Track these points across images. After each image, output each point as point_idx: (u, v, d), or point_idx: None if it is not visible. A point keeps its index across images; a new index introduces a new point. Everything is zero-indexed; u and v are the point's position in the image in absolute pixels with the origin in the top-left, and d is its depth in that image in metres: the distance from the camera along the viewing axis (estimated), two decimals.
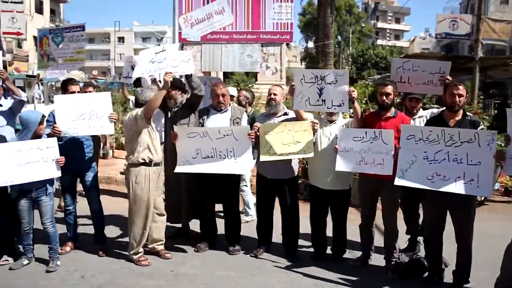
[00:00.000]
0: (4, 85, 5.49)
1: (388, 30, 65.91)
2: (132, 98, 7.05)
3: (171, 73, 4.79)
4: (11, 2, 13.35)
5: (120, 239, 5.68)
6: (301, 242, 5.29)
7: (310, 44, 49.77)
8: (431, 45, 49.56)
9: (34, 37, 30.30)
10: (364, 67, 32.38)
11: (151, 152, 4.75)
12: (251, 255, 5.13)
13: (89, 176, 5.16)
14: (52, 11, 38.36)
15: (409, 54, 24.24)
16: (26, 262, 4.77)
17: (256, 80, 17.41)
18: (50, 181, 4.73)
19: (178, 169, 4.85)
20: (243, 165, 4.76)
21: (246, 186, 6.52)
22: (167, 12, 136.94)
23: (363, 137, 4.47)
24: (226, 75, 23.37)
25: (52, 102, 19.55)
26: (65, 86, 5.26)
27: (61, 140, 4.79)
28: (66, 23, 36.60)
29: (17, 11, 13.31)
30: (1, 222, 4.88)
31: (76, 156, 5.05)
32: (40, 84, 19.63)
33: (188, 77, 5.10)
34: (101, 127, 4.84)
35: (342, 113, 5.00)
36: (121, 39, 61.02)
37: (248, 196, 6.52)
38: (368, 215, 4.84)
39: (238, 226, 5.29)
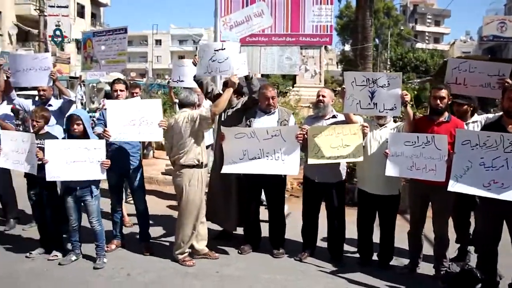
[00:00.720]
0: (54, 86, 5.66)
1: (427, 33, 64.58)
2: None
3: (236, 74, 4.81)
4: (57, 7, 13.74)
5: (163, 239, 5.73)
6: (346, 247, 5.20)
7: (347, 47, 49.31)
8: (472, 48, 48.27)
9: (76, 40, 31.24)
10: (403, 70, 31.75)
11: (202, 154, 4.77)
12: (295, 258, 5.07)
13: (136, 176, 5.23)
14: (93, 15, 39.37)
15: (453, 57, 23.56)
16: (74, 258, 4.87)
17: (295, 83, 17.34)
18: (95, 182, 4.80)
19: (225, 169, 4.84)
20: (290, 166, 4.71)
21: None
22: (203, 15, 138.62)
23: (415, 142, 4.34)
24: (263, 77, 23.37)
25: (92, 102, 20.08)
26: (112, 85, 5.35)
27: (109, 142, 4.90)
28: (106, 26, 37.49)
29: (62, 15, 13.70)
30: (50, 218, 5.01)
31: (124, 156, 5.14)
32: (82, 85, 20.12)
33: (249, 79, 5.10)
34: (150, 133, 4.88)
35: (393, 117, 4.88)
36: (158, 42, 62.06)
37: None
38: (417, 221, 4.70)
39: (283, 229, 5.24)
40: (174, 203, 7.35)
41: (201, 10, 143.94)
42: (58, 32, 18.78)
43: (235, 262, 4.99)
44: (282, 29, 16.52)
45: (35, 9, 19.76)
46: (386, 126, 4.73)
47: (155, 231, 5.82)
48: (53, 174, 4.61)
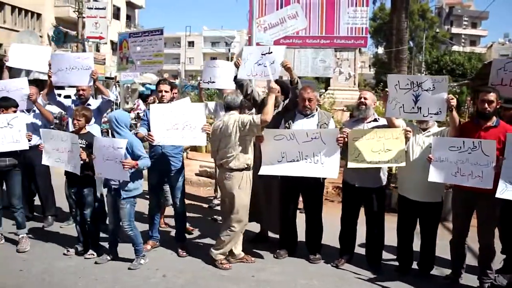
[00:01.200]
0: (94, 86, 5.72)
1: (463, 36, 63.07)
2: (210, 103, 7.06)
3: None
4: (95, 9, 14.01)
5: (197, 240, 5.71)
6: (384, 254, 5.04)
7: (380, 50, 48.60)
8: (510, 51, 46.79)
9: (111, 41, 31.83)
10: (439, 73, 31.06)
11: (250, 158, 4.73)
12: (332, 264, 4.96)
13: (177, 177, 5.22)
14: (128, 17, 40.03)
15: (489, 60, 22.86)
16: (109, 257, 4.89)
17: (328, 86, 17.17)
18: (123, 185, 4.74)
19: (263, 171, 4.78)
20: (330, 169, 4.61)
21: None
22: (236, 17, 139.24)
23: (460, 147, 4.17)
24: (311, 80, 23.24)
25: (127, 103, 20.39)
26: (157, 86, 5.36)
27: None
28: (140, 28, 38.08)
29: (100, 17, 13.94)
30: (88, 217, 5.06)
31: (166, 157, 5.13)
32: (117, 86, 20.47)
33: (294, 83, 5.03)
34: (193, 138, 4.85)
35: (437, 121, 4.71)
36: (191, 43, 62.67)
37: None
38: (461, 230, 4.52)
39: (320, 234, 5.14)
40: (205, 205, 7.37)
41: (233, 13, 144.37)
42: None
43: (271, 267, 4.92)
44: (316, 31, 16.45)
45: (74, 11, 20.18)
46: (429, 131, 4.57)
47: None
48: (98, 170, 4.70)
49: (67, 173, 5.15)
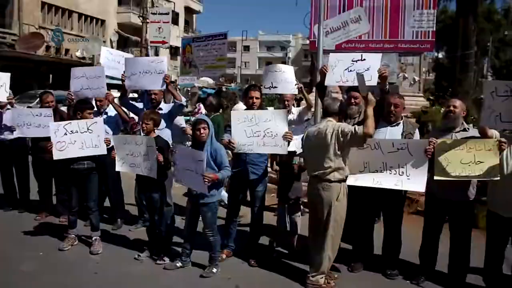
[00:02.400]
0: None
1: None
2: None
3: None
4: (159, 14, 14.24)
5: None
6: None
7: (440, 54, 46.86)
8: None
9: (170, 46, 32.47)
10: (508, 79, 29.51)
11: (347, 168, 4.42)
12: (412, 282, 4.65)
13: (259, 185, 5.10)
14: (186, 22, 40.80)
15: None
16: (179, 264, 4.83)
17: None
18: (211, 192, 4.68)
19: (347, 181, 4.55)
20: (416, 183, 4.31)
21: None
22: (291, 21, 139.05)
23: None
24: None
25: (186, 106, 20.62)
26: (246, 91, 5.27)
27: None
28: (197, 32, 38.71)
29: (163, 22, 14.17)
30: (159, 222, 5.04)
31: (249, 164, 5.03)
32: (177, 89, 20.78)
33: (385, 91, 4.82)
34: (274, 145, 4.70)
35: None
36: (246, 48, 63.14)
37: None
38: None
39: (398, 248, 4.84)
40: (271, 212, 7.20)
41: (288, 17, 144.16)
42: None
43: (346, 280, 4.68)
44: (380, 35, 16.01)
45: (138, 17, 20.81)
46: None
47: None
48: (177, 177, 4.69)
49: (138, 178, 5.16)
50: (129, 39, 32.09)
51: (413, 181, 4.31)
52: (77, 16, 28.32)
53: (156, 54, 34.95)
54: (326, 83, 4.99)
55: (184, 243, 4.87)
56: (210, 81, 30.92)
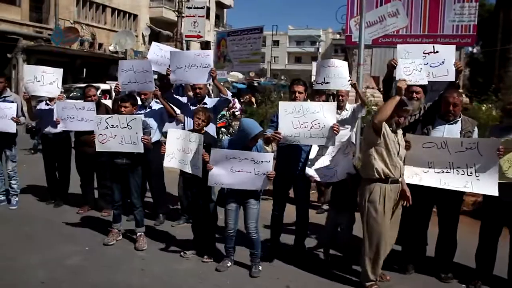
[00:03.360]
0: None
1: None
2: None
3: (405, 80, 4.33)
4: (194, 8, 14.19)
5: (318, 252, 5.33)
6: None
7: (475, 49, 45.56)
8: None
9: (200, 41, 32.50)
10: None
11: (387, 167, 4.15)
12: (469, 286, 4.42)
13: (303, 183, 4.94)
14: (217, 16, 40.76)
15: None
16: (229, 264, 4.71)
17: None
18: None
19: (407, 181, 4.33)
20: (487, 185, 4.06)
21: None
22: (321, 16, 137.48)
23: None
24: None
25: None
26: (290, 85, 5.16)
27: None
28: (228, 27, 38.67)
29: (198, 16, 14.10)
30: (204, 220, 4.94)
31: (292, 161, 4.87)
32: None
33: (456, 87, 4.68)
34: (321, 137, 4.54)
35: None
36: (276, 43, 62.73)
37: None
38: None
39: (453, 250, 4.62)
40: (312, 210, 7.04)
41: (318, 12, 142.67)
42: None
43: (397, 283, 4.49)
44: (418, 29, 15.59)
45: (174, 11, 20.82)
46: None
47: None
48: (215, 180, 4.52)
49: (184, 174, 5.06)
50: (161, 34, 32.27)
51: (483, 183, 4.06)
52: (111, 11, 28.62)
53: (188, 48, 35.18)
54: (397, 78, 4.75)
55: (228, 243, 4.74)
56: (240, 75, 30.84)
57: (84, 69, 24.53)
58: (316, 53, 51.17)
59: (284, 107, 4.66)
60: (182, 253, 5.00)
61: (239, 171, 4.41)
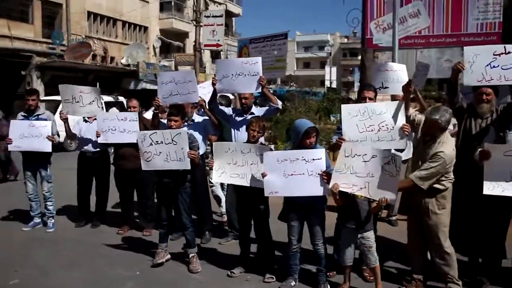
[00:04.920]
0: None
1: None
2: None
3: None
4: (212, 17, 14.00)
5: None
6: None
7: None
8: None
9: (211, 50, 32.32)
10: None
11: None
12: None
13: None
14: (226, 25, 40.63)
15: None
16: (293, 283, 4.38)
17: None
18: (319, 199, 4.24)
19: (487, 190, 3.97)
20: None
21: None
22: (329, 20, 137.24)
23: None
24: None
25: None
26: (360, 92, 4.91)
27: None
28: (237, 35, 38.54)
29: (217, 25, 13.90)
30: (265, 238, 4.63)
31: None
32: None
33: None
34: (391, 140, 4.19)
35: None
36: None
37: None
38: None
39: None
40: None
41: (325, 17, 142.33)
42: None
43: None
44: (441, 29, 15.22)
45: (191, 21, 20.65)
46: None
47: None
48: (271, 189, 4.20)
49: (237, 188, 4.75)
50: (171, 44, 32.17)
51: None
52: (121, 24, 28.53)
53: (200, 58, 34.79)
54: (465, 83, 4.44)
55: (291, 260, 4.40)
56: None
57: (97, 83, 24.39)
58: (326, 58, 50.91)
59: (348, 110, 4.34)
60: (230, 272, 4.69)
61: (292, 174, 4.10)
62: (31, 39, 22.32)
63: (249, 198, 4.57)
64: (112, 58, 27.29)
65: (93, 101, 6.14)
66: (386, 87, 5.48)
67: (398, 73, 5.43)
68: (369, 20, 15.05)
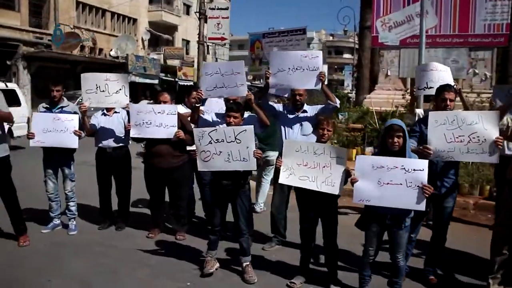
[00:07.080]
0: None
1: None
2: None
3: None
4: (217, 9, 13.54)
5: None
6: None
7: None
8: None
9: (204, 44, 31.80)
10: None
11: None
12: None
13: (450, 201, 4.30)
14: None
15: None
16: None
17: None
18: (407, 212, 3.88)
19: None
20: None
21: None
22: (312, 19, 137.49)
23: None
24: None
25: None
26: (439, 92, 4.43)
27: None
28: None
29: (222, 17, 13.44)
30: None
31: (436, 175, 4.20)
32: None
33: None
34: (481, 153, 3.87)
35: None
36: None
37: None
38: None
39: None
40: None
41: (310, 15, 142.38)
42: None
43: None
44: (448, 29, 15.07)
45: (195, 12, 20.07)
46: None
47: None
48: (362, 195, 3.81)
49: (301, 191, 4.33)
50: (161, 38, 31.50)
51: None
52: (110, 15, 27.73)
53: (187, 52, 34.44)
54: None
55: (364, 270, 4.07)
56: None
57: None
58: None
59: (435, 117, 4.00)
60: (289, 283, 4.31)
61: (388, 183, 3.72)
62: (17, 28, 21.42)
63: (318, 204, 4.20)
64: (101, 50, 26.54)
65: (120, 89, 5.60)
66: (431, 87, 5.27)
67: (443, 74, 5.34)
68: (375, 18, 14.86)
